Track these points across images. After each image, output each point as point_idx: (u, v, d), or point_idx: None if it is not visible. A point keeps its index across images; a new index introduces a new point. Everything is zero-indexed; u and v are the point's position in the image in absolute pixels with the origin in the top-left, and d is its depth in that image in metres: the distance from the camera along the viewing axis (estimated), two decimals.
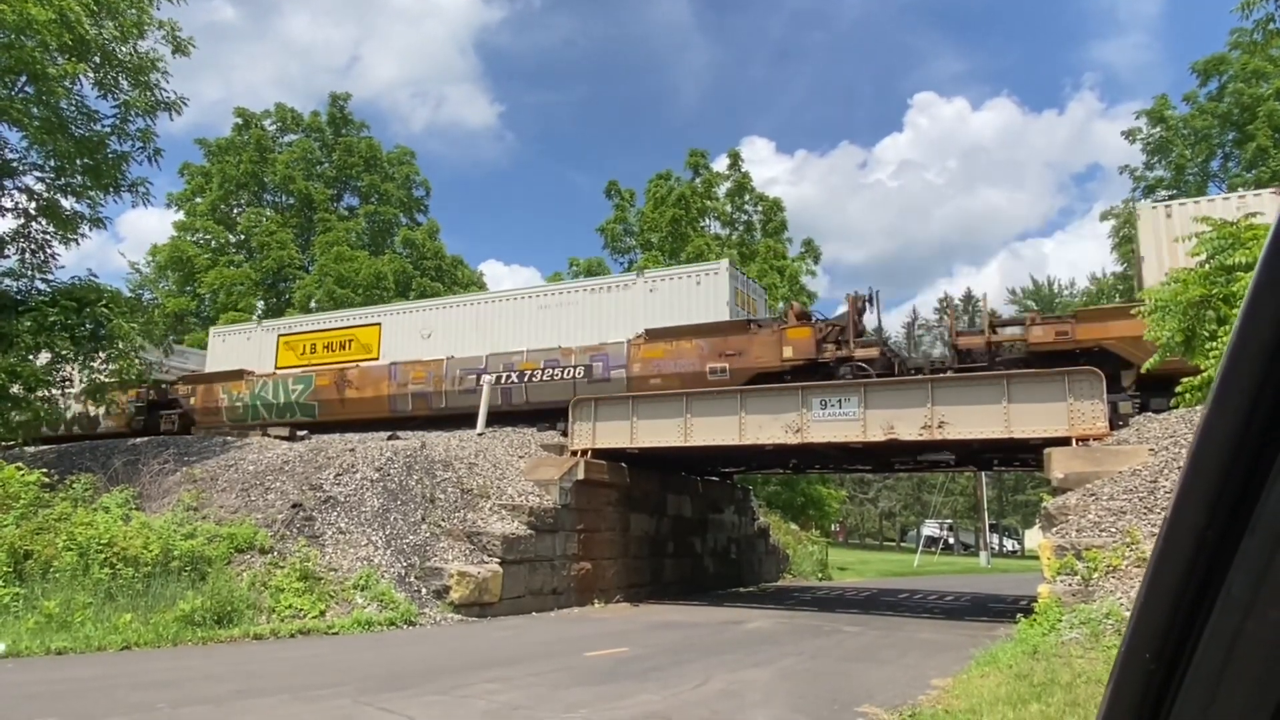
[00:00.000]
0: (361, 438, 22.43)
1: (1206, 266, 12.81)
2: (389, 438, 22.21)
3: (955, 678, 9.69)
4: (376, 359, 26.00)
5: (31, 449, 23.57)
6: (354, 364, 26.05)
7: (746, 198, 46.73)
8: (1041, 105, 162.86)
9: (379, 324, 26.74)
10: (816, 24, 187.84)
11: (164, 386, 28.78)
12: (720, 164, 47.58)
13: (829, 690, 9.58)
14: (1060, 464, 15.48)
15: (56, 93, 17.83)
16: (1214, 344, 12.02)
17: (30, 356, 19.01)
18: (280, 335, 28.56)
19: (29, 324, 18.22)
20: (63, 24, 17.14)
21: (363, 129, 50.68)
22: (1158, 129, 37.68)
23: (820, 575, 35.87)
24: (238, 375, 27.66)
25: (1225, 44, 35.69)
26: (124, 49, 19.22)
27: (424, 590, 16.14)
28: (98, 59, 18.81)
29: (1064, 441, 16.28)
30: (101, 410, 27.54)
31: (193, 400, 28.08)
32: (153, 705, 8.17)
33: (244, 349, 29.17)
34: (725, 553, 29.12)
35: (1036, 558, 17.60)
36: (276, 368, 27.86)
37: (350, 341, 26.99)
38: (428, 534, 17.37)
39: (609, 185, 48.22)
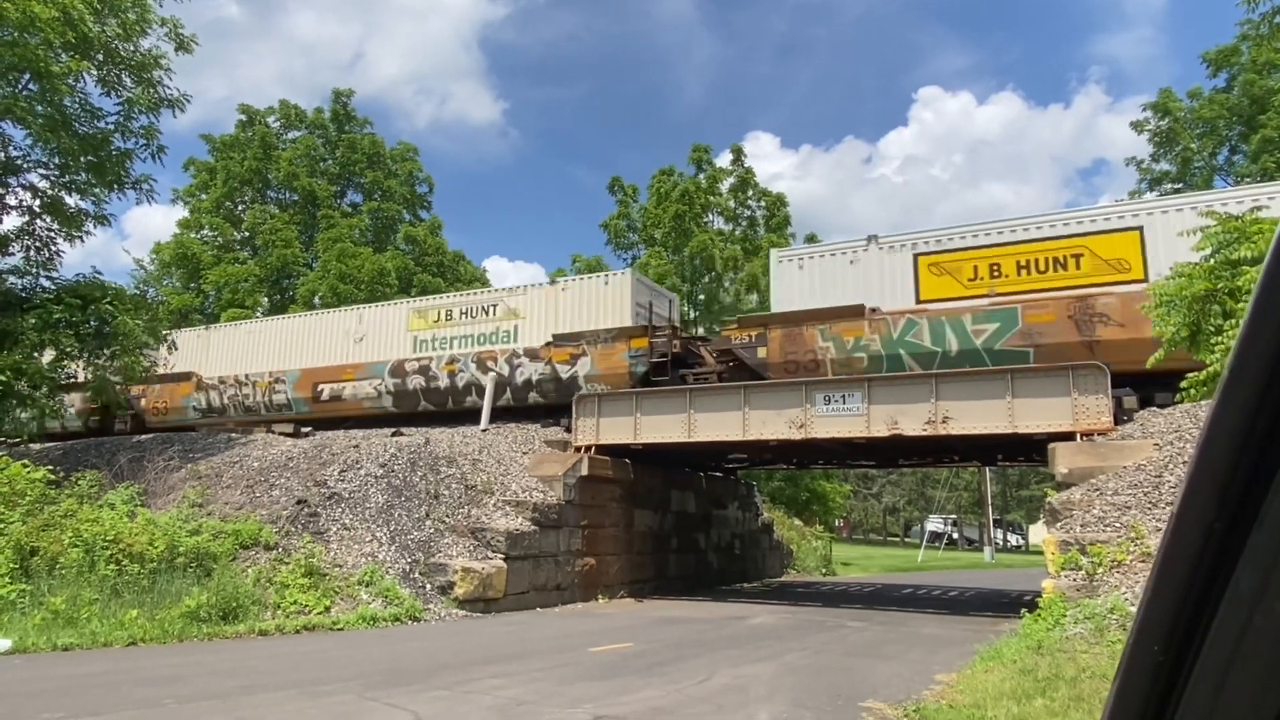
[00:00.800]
0: (365, 434, 22.45)
1: (1212, 261, 12.78)
2: (393, 434, 22.23)
3: (959, 673, 9.70)
4: (1140, 279, 17.66)
5: (37, 446, 23.64)
6: (1101, 288, 18.07)
7: (749, 193, 46.67)
8: (1047, 99, 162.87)
9: (1137, 228, 18.26)
10: (820, 19, 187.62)
11: (687, 337, 22.53)
12: (724, 159, 47.56)
13: (833, 685, 9.59)
14: (1065, 459, 15.46)
15: (60, 90, 17.83)
16: (1219, 339, 11.99)
17: (35, 354, 19.05)
18: (920, 254, 20.30)
19: (34, 321, 18.25)
20: (66, 21, 17.15)
21: (366, 125, 50.69)
22: (1164, 121, 37.54)
23: (824, 571, 35.90)
24: (854, 313, 20.10)
25: (1234, 36, 35.60)
26: (127, 46, 19.23)
27: (428, 586, 16.18)
28: (100, 56, 18.82)
29: (1068, 436, 16.27)
30: (582, 369, 22.50)
31: (763, 352, 20.86)
32: (159, 701, 8.20)
33: (843, 277, 21.02)
34: (729, 548, 29.14)
35: (1041, 553, 17.58)
36: (920, 300, 20.08)
37: (1076, 257, 18.59)
38: (432, 530, 17.40)
39: (612, 181, 48.22)
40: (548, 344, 23.60)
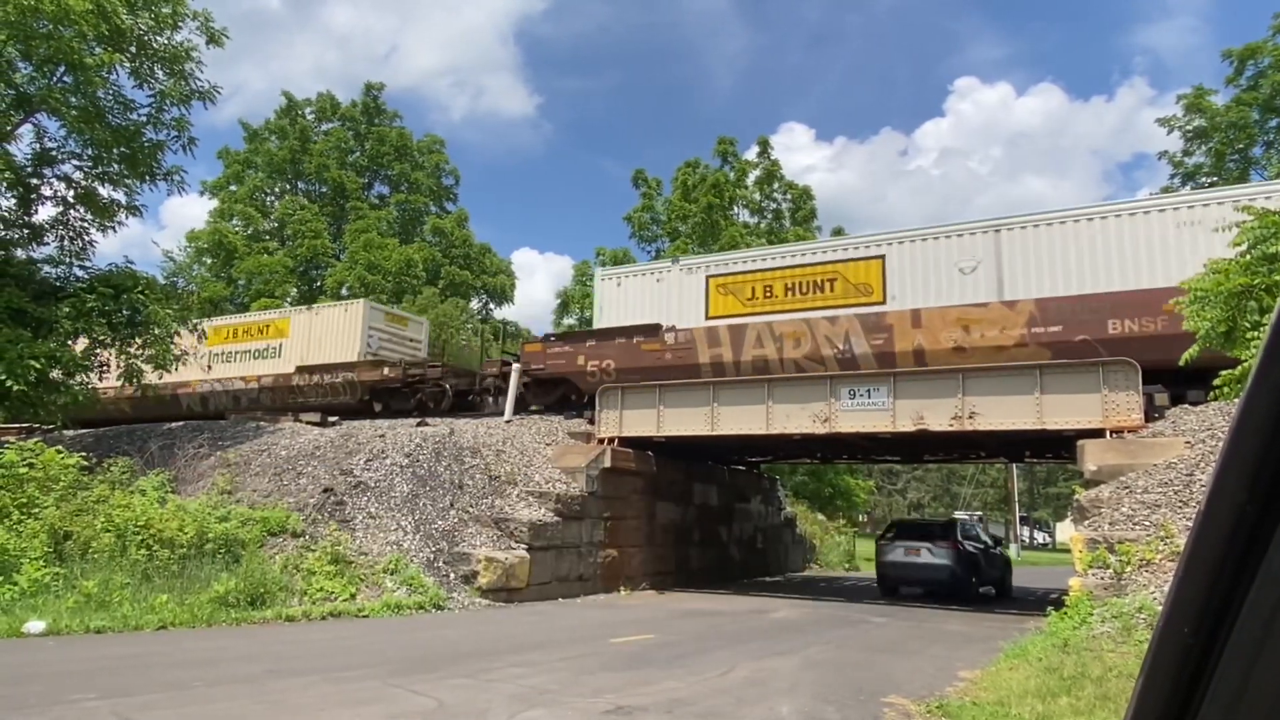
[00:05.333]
0: (390, 424, 22.62)
1: (1248, 256, 12.51)
2: (418, 424, 22.40)
3: (983, 670, 9.62)
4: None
5: (70, 432, 24.07)
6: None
7: (775, 186, 46.42)
8: (1089, 92, 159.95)
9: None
10: (853, 7, 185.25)
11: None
12: (751, 152, 47.33)
13: (855, 680, 9.55)
14: (1093, 456, 15.25)
15: (94, 82, 18.09)
16: (1256, 334, 11.76)
17: (69, 342, 19.39)
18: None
19: (68, 310, 18.56)
20: (100, 14, 17.37)
21: (395, 118, 51.05)
22: (1195, 116, 36.85)
23: (847, 566, 35.75)
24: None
25: (1268, 28, 34.84)
26: (159, 39, 19.45)
27: (452, 575, 16.31)
28: (133, 49, 19.05)
29: (1098, 433, 16.04)
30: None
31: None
32: (188, 684, 8.33)
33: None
34: (751, 542, 29.09)
35: (1068, 551, 17.42)
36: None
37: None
38: (456, 520, 17.53)
39: (635, 174, 48.22)
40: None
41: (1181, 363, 13.99)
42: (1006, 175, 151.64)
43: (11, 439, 19.36)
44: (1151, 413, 16.22)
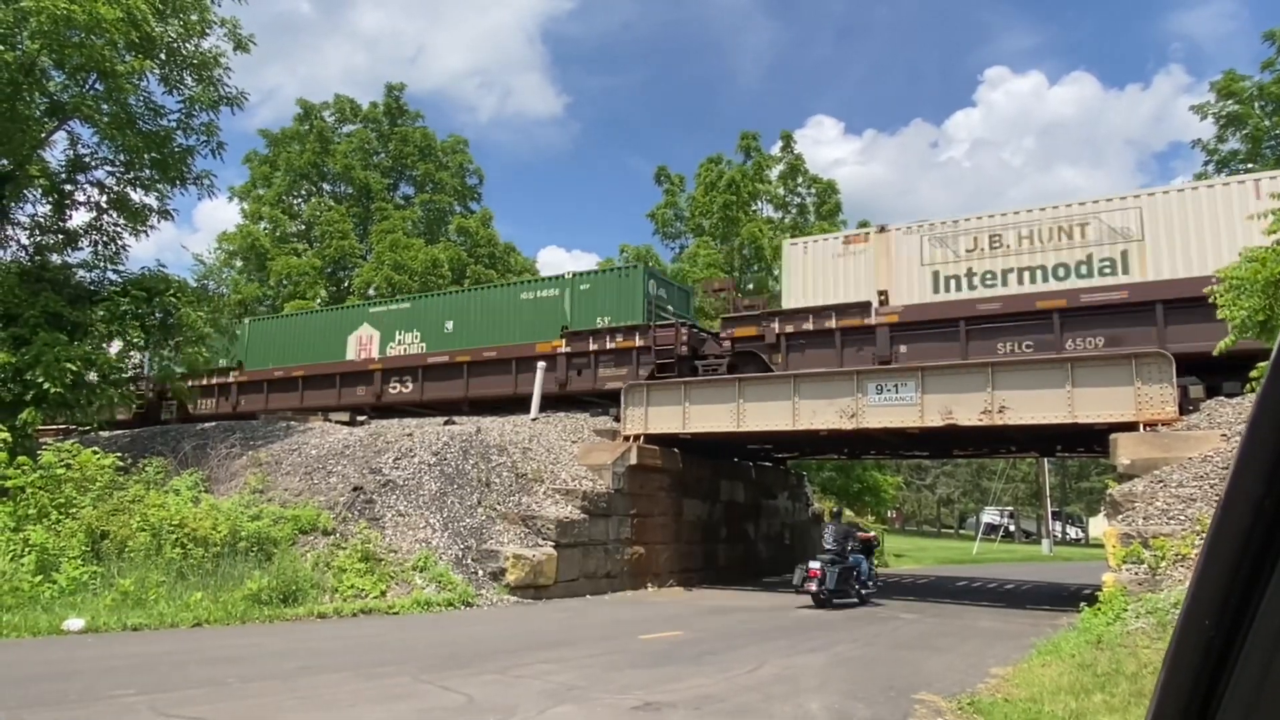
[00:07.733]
0: (419, 422, 22.80)
1: None
2: (445, 423, 22.55)
3: (1015, 666, 9.52)
4: None
5: (105, 433, 24.51)
6: None
7: (799, 180, 46.12)
8: (1124, 80, 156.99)
9: None
10: None
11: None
12: (776, 146, 47.03)
13: (885, 677, 9.48)
14: (1127, 450, 15.03)
15: (125, 89, 18.38)
16: None
17: (104, 345, 19.75)
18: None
19: (102, 313, 18.90)
20: (130, 22, 17.64)
21: (417, 119, 51.36)
22: (1230, 101, 36.01)
23: (876, 562, 35.47)
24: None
25: None
26: (188, 46, 19.73)
27: (480, 572, 16.42)
28: (163, 55, 19.34)
29: (1131, 426, 15.80)
30: None
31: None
32: (223, 680, 8.46)
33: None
34: (779, 538, 28.99)
35: (1101, 546, 17.22)
36: None
37: None
38: (484, 517, 17.63)
39: (658, 171, 48.08)
40: None
41: (1216, 352, 13.75)
42: (1040, 166, 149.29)
43: (49, 440, 19.75)
44: (1186, 405, 15.95)
